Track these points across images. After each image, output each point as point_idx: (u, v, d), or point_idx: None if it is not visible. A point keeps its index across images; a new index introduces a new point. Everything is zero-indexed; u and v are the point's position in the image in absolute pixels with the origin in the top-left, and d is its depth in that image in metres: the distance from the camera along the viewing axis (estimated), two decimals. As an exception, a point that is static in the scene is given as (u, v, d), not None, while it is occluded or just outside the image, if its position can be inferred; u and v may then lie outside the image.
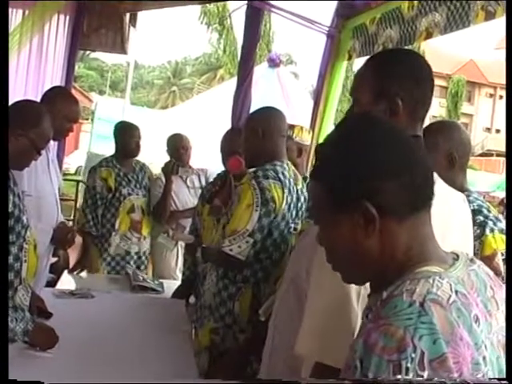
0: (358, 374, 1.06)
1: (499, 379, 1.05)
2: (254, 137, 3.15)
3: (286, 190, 3.09)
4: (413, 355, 1.03)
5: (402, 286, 1.15)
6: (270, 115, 3.24)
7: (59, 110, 3.63)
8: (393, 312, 1.09)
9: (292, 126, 3.82)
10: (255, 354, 2.74)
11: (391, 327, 1.06)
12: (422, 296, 1.10)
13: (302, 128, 3.87)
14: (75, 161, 22.04)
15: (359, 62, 6.35)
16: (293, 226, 3.16)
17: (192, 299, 4.01)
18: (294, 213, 3.16)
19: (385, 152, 1.23)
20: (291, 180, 3.15)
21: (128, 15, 7.73)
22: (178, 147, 5.19)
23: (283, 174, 3.11)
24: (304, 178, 3.72)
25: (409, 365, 1.02)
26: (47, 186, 3.72)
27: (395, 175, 1.21)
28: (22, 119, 2.81)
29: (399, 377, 1.02)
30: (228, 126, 5.25)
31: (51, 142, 3.89)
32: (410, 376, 1.02)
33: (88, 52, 25.56)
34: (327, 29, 6.04)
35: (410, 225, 1.24)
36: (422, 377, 1.02)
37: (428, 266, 1.19)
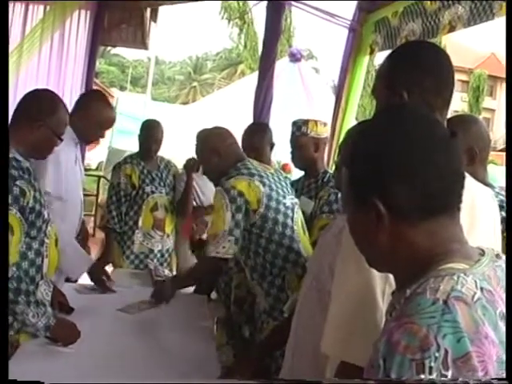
0: (381, 373, 1.04)
1: (499, 379, 1.02)
2: (213, 158, 3.35)
3: (256, 177, 3.19)
4: (436, 354, 1.01)
5: (425, 284, 1.13)
6: (221, 132, 3.42)
7: (93, 116, 3.66)
8: (416, 310, 1.07)
9: (306, 122, 3.81)
10: (280, 349, 2.74)
11: (414, 326, 1.04)
12: (445, 294, 1.08)
13: (316, 122, 3.85)
14: (97, 156, 22.11)
15: (381, 56, 6.33)
16: (289, 201, 3.24)
17: (214, 295, 4.01)
18: (281, 191, 3.26)
19: (403, 154, 1.21)
20: (258, 168, 3.27)
21: (149, 10, 7.74)
22: None
23: (247, 168, 3.24)
24: (324, 172, 3.72)
25: (432, 364, 1.00)
26: (74, 186, 3.69)
27: (409, 179, 1.20)
28: (39, 109, 2.82)
29: (422, 376, 1.00)
30: (249, 120, 5.24)
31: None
32: (434, 375, 1.00)
33: (109, 48, 25.68)
34: (349, 23, 6.01)
35: (426, 228, 1.22)
36: (446, 376, 1.00)
37: (452, 263, 1.17)
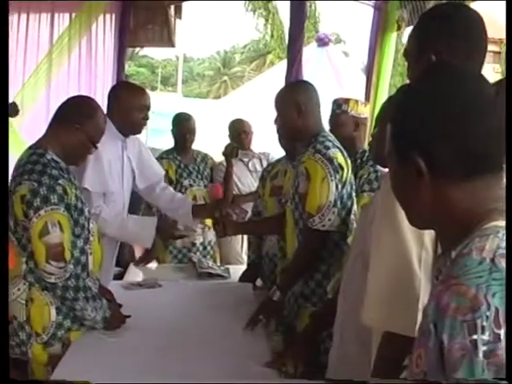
0: (433, 338, 1.03)
1: (499, 379, 1.00)
2: (296, 111, 3.10)
3: (345, 155, 3.08)
4: (487, 313, 0.99)
5: (470, 244, 1.12)
6: (307, 88, 3.22)
7: (127, 102, 3.57)
8: (463, 271, 1.05)
9: (347, 100, 3.77)
10: (326, 330, 2.74)
11: (463, 287, 1.02)
12: (491, 252, 1.07)
13: (357, 101, 3.81)
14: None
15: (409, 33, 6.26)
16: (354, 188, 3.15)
17: (259, 282, 4.01)
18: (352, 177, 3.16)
19: (444, 112, 1.20)
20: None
21: (173, 8, 7.77)
22: (239, 132, 5.27)
23: (335, 141, 3.11)
24: (362, 152, 3.67)
25: (484, 323, 0.99)
26: (116, 183, 3.64)
27: (449, 137, 1.19)
28: (77, 114, 2.86)
29: (475, 337, 0.98)
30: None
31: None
32: (486, 335, 0.99)
33: (137, 50, 25.71)
34: (374, 1, 5.96)
35: (467, 187, 1.20)
36: (499, 335, 0.98)
37: (496, 221, 1.15)
